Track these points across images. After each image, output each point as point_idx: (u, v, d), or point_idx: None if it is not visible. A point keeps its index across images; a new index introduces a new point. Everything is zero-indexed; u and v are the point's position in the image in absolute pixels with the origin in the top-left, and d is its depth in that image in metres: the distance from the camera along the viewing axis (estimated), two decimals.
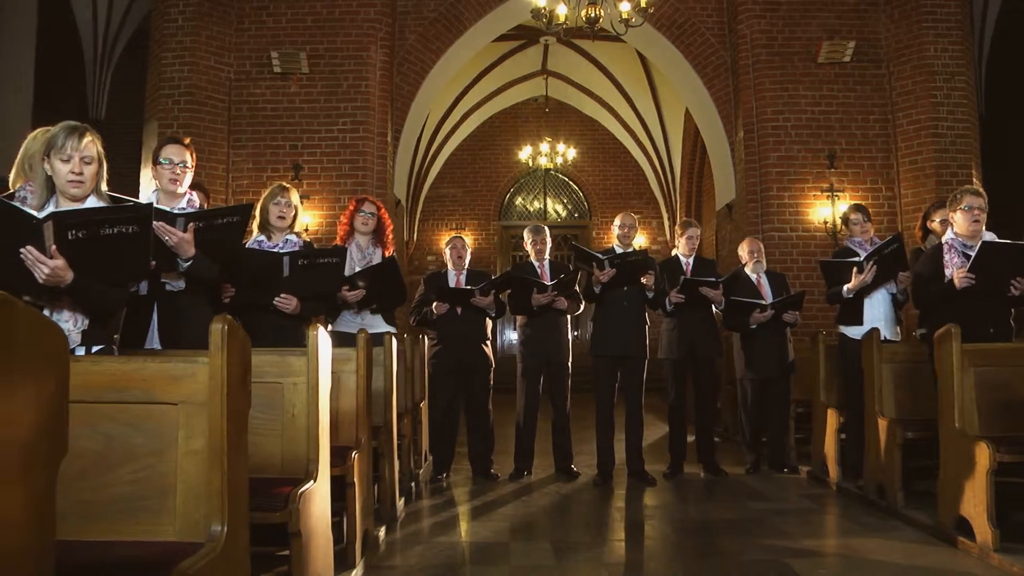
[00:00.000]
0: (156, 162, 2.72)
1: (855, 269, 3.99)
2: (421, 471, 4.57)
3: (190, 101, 7.03)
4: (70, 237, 1.89)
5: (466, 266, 4.72)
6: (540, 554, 3.08)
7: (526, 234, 4.77)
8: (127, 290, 2.18)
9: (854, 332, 4.13)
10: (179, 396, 1.65)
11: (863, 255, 4.08)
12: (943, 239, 3.65)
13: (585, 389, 5.61)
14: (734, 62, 7.54)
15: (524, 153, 10.59)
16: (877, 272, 3.94)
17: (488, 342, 4.67)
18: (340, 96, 7.18)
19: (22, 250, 1.87)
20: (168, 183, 2.68)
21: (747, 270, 4.84)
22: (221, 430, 1.57)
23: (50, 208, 2.09)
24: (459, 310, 4.48)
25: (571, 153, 10.50)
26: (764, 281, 4.78)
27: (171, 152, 2.69)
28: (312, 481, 2.16)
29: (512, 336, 11.37)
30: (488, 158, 12.17)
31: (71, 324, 2.07)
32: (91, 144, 2.12)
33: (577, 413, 4.98)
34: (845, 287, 4.06)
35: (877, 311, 4.10)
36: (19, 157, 2.68)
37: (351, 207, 3.91)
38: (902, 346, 4.10)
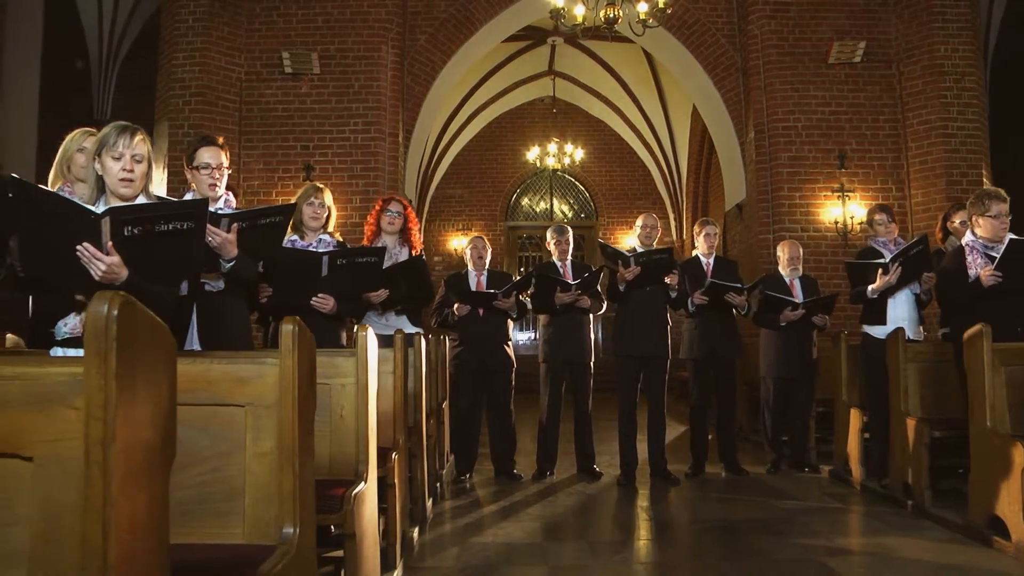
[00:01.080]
0: (192, 167, 2.70)
1: (880, 270, 4.00)
2: (444, 472, 4.56)
3: (201, 102, 7.01)
4: (126, 234, 1.86)
5: (487, 266, 4.71)
6: (577, 554, 3.08)
7: (549, 234, 4.77)
8: (177, 289, 2.16)
9: (878, 332, 4.14)
10: (246, 398, 1.64)
11: (887, 255, 4.09)
12: (963, 241, 3.66)
13: (603, 389, 5.62)
14: (744, 63, 7.56)
15: (532, 154, 10.58)
16: (902, 273, 3.95)
17: (510, 343, 4.66)
18: (351, 97, 7.17)
19: (79, 247, 1.84)
20: (207, 188, 2.66)
21: (782, 271, 4.86)
22: (292, 432, 1.56)
23: (101, 207, 2.08)
24: (481, 311, 4.47)
25: (579, 154, 10.49)
26: (797, 283, 4.81)
27: (207, 156, 2.67)
28: (363, 482, 2.16)
29: (521, 337, 11.35)
30: (494, 159, 12.16)
31: None
32: (142, 143, 2.10)
33: (596, 413, 4.97)
34: (870, 288, 4.07)
35: (901, 311, 4.12)
36: (58, 158, 2.67)
37: (377, 207, 3.91)
38: (926, 345, 4.11)
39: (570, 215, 12.31)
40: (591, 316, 4.70)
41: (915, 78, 7.16)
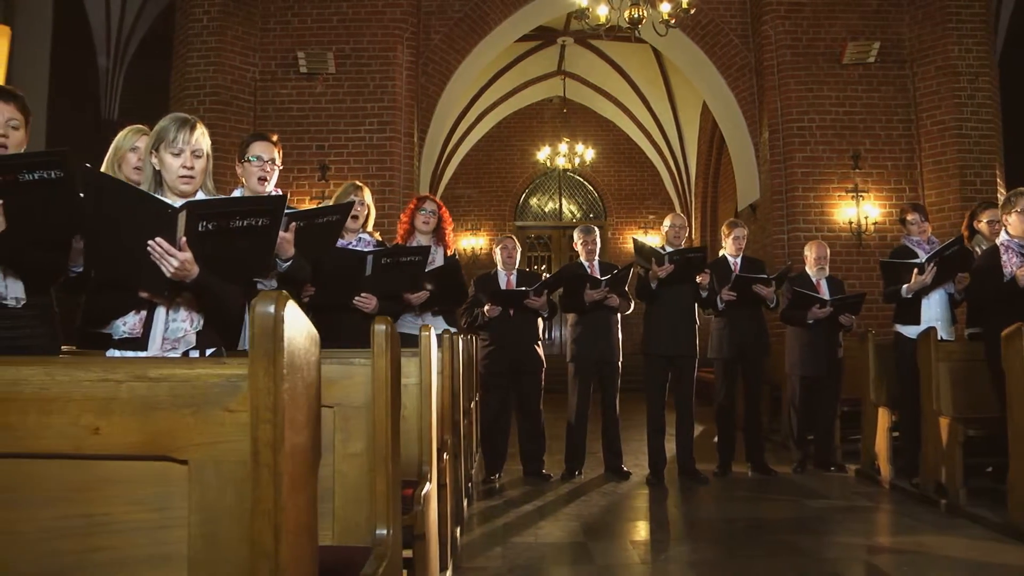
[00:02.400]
0: (243, 160, 2.68)
1: (915, 270, 4.01)
2: (474, 472, 4.56)
3: (216, 101, 6.99)
4: (200, 229, 1.79)
5: (516, 266, 4.71)
6: (621, 553, 3.08)
7: (576, 234, 4.78)
8: (246, 287, 2.11)
9: (910, 331, 4.15)
10: (334, 399, 1.63)
11: (921, 254, 4.11)
12: (998, 241, 3.69)
13: (625, 388, 5.62)
14: (758, 63, 7.58)
15: (542, 154, 10.58)
16: (937, 273, 3.97)
17: (540, 342, 4.66)
18: (367, 96, 7.16)
19: (150, 242, 1.77)
20: (256, 182, 2.63)
21: (809, 271, 4.88)
22: (386, 432, 1.55)
23: None
24: (511, 311, 4.47)
25: (589, 154, 10.50)
26: (824, 283, 4.83)
27: (260, 149, 2.65)
28: (429, 483, 2.15)
29: None
30: (503, 159, 12.16)
31: (187, 324, 1.98)
32: (202, 137, 2.02)
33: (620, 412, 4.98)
34: (904, 287, 4.08)
35: (934, 311, 4.13)
36: (109, 155, 2.64)
37: (411, 206, 3.89)
38: (957, 345, 4.12)
39: (579, 215, 12.31)
40: (619, 316, 4.70)
41: (929, 78, 7.19)
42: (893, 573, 2.82)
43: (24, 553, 0.94)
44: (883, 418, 4.49)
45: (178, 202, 1.87)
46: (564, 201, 12.36)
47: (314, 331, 1.01)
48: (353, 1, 7.24)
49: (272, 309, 0.87)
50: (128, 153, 2.60)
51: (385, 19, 7.24)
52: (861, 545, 3.24)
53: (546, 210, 12.39)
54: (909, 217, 4.26)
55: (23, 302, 2.19)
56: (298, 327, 0.94)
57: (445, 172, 11.38)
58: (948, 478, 3.79)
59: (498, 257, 4.67)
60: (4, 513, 0.95)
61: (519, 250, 4.72)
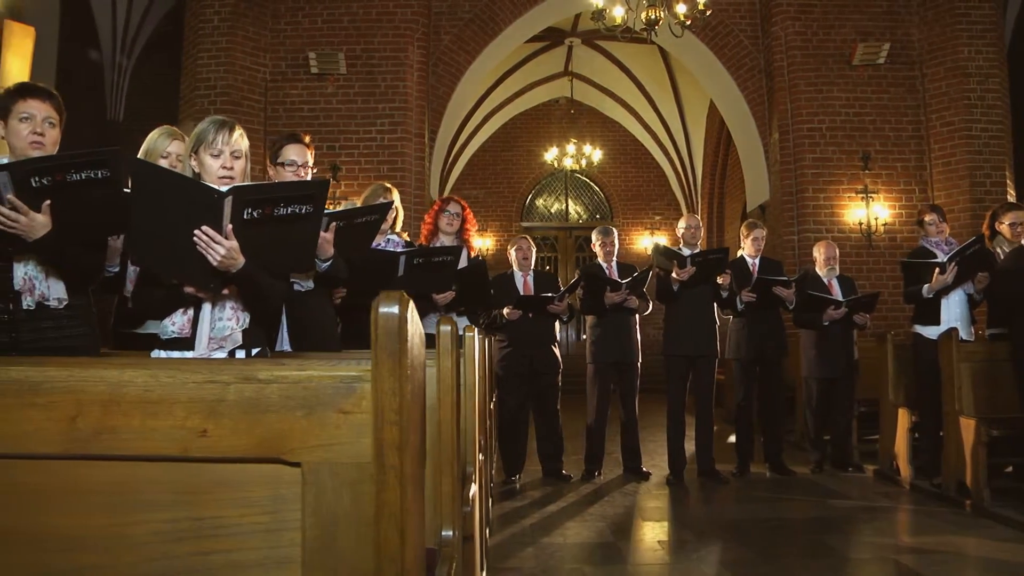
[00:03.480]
0: (276, 163, 2.67)
1: (936, 270, 4.02)
2: (494, 472, 4.54)
3: (226, 101, 6.95)
4: (245, 216, 1.75)
5: (532, 267, 4.71)
6: (652, 553, 3.09)
7: (594, 236, 4.78)
8: (287, 283, 2.08)
9: (930, 332, 4.16)
10: None
11: (939, 254, 4.12)
12: (1023, 242, 3.71)
13: (642, 389, 5.62)
14: (768, 64, 7.59)
15: (550, 155, 10.57)
16: (958, 272, 3.97)
17: (556, 344, 4.66)
18: (378, 97, 7.14)
19: (196, 231, 1.74)
20: None
21: (819, 272, 4.89)
22: (451, 434, 1.55)
23: None
24: (530, 314, 4.47)
25: (597, 155, 10.49)
26: (835, 282, 4.84)
27: (294, 153, 2.64)
28: (473, 484, 2.14)
29: None
30: (509, 159, 12.15)
31: (234, 322, 1.95)
32: (240, 138, 1.99)
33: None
34: (925, 287, 4.09)
35: (954, 311, 4.13)
36: (140, 155, 2.64)
37: (436, 207, 3.89)
38: (977, 345, 4.14)
39: (585, 216, 12.31)
40: (637, 316, 4.70)
41: (938, 80, 7.20)
42: (926, 574, 2.82)
43: (136, 556, 0.94)
44: (903, 418, 4.50)
45: (224, 188, 1.82)
46: (570, 202, 12.35)
47: (423, 331, 1.00)
48: (364, 2, 7.23)
49: (396, 309, 0.87)
50: (159, 160, 2.58)
51: (396, 20, 7.22)
52: (890, 545, 3.25)
53: (552, 211, 12.38)
54: (927, 218, 4.26)
55: (65, 303, 2.18)
56: (415, 328, 0.94)
57: (452, 172, 11.34)
58: (972, 478, 3.79)
59: (513, 258, 4.67)
60: (114, 516, 0.94)
61: (535, 250, 4.72)
